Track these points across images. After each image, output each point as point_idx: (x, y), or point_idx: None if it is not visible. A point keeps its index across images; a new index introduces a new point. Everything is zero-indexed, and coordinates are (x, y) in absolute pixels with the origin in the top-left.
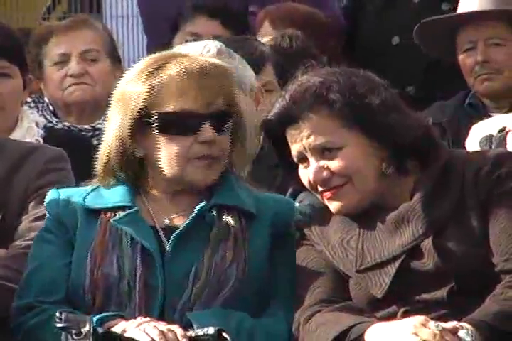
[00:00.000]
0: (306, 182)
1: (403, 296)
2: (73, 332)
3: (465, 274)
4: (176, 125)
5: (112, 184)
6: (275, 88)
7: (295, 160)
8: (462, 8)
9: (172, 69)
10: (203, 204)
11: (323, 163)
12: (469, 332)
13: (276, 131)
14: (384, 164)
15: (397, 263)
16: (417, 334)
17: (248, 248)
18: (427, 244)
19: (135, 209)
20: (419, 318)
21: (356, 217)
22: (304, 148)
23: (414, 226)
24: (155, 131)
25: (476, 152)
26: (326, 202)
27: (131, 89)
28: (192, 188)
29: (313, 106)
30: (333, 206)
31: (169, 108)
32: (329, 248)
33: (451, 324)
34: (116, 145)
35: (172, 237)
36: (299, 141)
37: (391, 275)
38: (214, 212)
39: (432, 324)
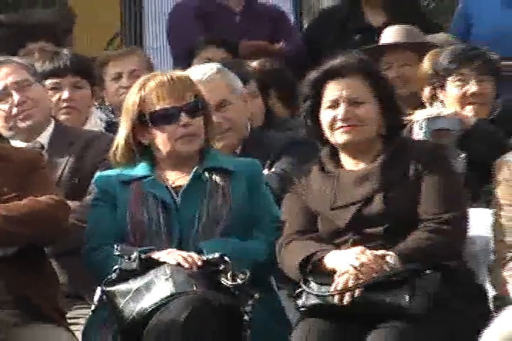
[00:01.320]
0: (328, 120)
1: (355, 229)
2: (125, 257)
3: (398, 219)
4: (162, 118)
5: (132, 164)
6: (257, 95)
7: (326, 105)
8: (383, 41)
9: (151, 83)
10: (196, 168)
11: (350, 108)
12: (393, 258)
13: (318, 82)
14: (381, 127)
15: (357, 206)
16: (358, 259)
17: (231, 196)
18: (378, 196)
19: (153, 176)
20: (360, 248)
21: (333, 175)
22: (340, 96)
23: (372, 184)
24: (150, 125)
25: (419, 141)
26: (339, 135)
27: (129, 101)
28: (183, 158)
29: (358, 70)
30: (344, 137)
31: (155, 108)
32: (310, 194)
33: (381, 252)
34: (122, 142)
35: (180, 193)
36: (338, 90)
37: (352, 213)
38: (206, 174)
39: (368, 252)
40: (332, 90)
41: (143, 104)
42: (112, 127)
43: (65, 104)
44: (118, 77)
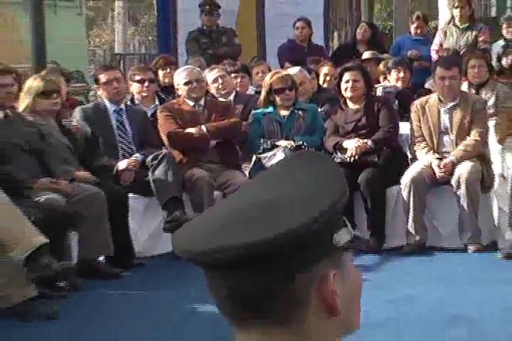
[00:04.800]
0: (344, 87)
1: (354, 132)
2: (265, 144)
3: (371, 128)
4: (278, 91)
5: (268, 107)
6: (314, 78)
7: (344, 81)
8: (363, 57)
9: (276, 75)
10: (291, 108)
11: (353, 83)
12: (370, 143)
13: (342, 72)
14: (364, 90)
15: (354, 122)
16: (357, 143)
17: (305, 120)
18: (363, 118)
19: (275, 112)
20: (357, 139)
21: (344, 110)
22: (350, 78)
23: (360, 113)
24: (273, 94)
25: (379, 96)
26: (348, 93)
27: (265, 82)
28: (286, 106)
29: (358, 68)
30: (350, 94)
31: (275, 87)
32: (338, 119)
33: (366, 140)
34: (262, 98)
35: (285, 118)
36: (349, 76)
37: (353, 125)
38: (296, 110)
39: (360, 140)
40: (346, 76)
41: (271, 84)
42: (257, 93)
43: (239, 84)
44: (257, 73)
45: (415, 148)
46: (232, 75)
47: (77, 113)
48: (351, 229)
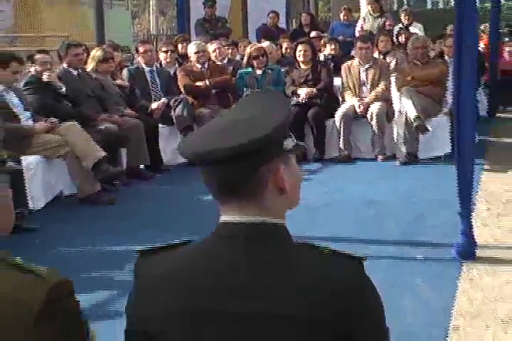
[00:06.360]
0: (298, 54)
1: (305, 83)
2: (248, 92)
3: (316, 80)
4: (255, 58)
5: (248, 68)
6: (279, 49)
7: (298, 50)
8: (311, 35)
9: (253, 47)
10: (263, 68)
11: (304, 52)
12: (316, 90)
13: (297, 45)
14: (312, 56)
15: (305, 77)
16: (307, 90)
17: (273, 76)
18: (310, 74)
19: (252, 71)
20: (307, 88)
21: (298, 69)
22: (302, 48)
23: (308, 72)
24: (252, 59)
25: (320, 60)
26: (300, 58)
27: (247, 52)
28: (260, 67)
29: (308, 43)
30: (302, 59)
31: (253, 54)
32: (294, 75)
33: (312, 88)
34: (245, 62)
35: (260, 75)
36: (302, 47)
37: (304, 79)
38: (266, 70)
39: (309, 89)
40: (300, 47)
41: (250, 53)
42: (241, 59)
43: (230, 53)
44: (242, 46)
45: (344, 94)
46: (226, 47)
47: (124, 72)
48: (294, 139)
